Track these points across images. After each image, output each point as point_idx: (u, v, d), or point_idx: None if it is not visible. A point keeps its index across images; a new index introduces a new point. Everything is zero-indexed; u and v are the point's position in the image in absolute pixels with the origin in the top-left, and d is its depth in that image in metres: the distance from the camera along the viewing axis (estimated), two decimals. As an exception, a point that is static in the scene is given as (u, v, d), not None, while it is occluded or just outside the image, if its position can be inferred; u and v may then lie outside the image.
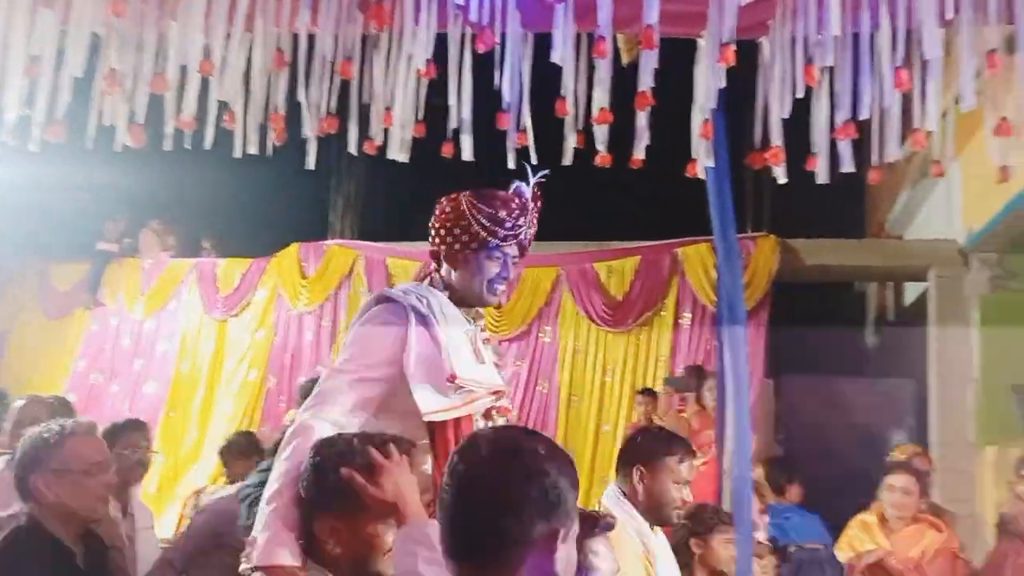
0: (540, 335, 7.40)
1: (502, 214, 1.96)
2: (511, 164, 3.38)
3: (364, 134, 3.96)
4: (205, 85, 3.25)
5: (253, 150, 3.75)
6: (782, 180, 3.42)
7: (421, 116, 3.98)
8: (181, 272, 7.90)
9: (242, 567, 1.65)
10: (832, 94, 3.36)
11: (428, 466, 1.85)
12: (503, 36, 3.25)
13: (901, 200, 7.95)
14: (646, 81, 3.52)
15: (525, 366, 7.29)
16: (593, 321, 7.36)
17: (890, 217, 8.52)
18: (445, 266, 2.01)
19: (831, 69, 3.32)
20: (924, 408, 6.64)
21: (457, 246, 1.97)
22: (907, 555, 3.45)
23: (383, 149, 4.09)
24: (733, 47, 2.97)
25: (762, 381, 6.83)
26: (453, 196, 2.02)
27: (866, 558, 3.48)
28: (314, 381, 3.88)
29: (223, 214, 8.80)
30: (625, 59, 3.82)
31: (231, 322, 7.67)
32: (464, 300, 1.99)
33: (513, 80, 3.24)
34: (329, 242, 8.04)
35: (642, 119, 3.78)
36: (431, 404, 1.83)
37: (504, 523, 1.04)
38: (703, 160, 3.81)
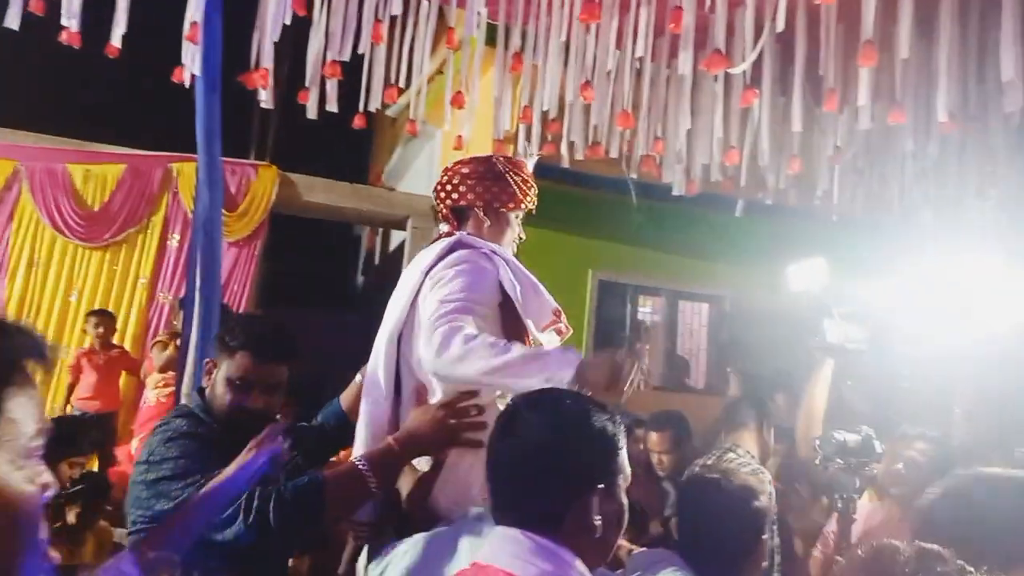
0: (-19, 241, 6.07)
1: (530, 181, 2.04)
2: None
3: None
4: None
5: None
6: (266, 104, 3.42)
7: None
8: None
9: None
10: (327, 33, 3.47)
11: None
12: None
13: (396, 155, 8.76)
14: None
15: (-45, 277, 5.91)
16: (59, 231, 6.34)
17: (387, 169, 9.33)
18: (473, 222, 2.00)
19: (329, 8, 3.42)
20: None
21: (496, 204, 2.00)
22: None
23: None
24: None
25: (248, 308, 6.82)
26: (481, 158, 2.07)
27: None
28: None
29: None
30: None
31: None
32: None
33: None
34: None
35: (122, 2, 3.34)
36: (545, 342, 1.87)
37: None
38: (191, 67, 3.55)
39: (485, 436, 1.69)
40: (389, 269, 8.97)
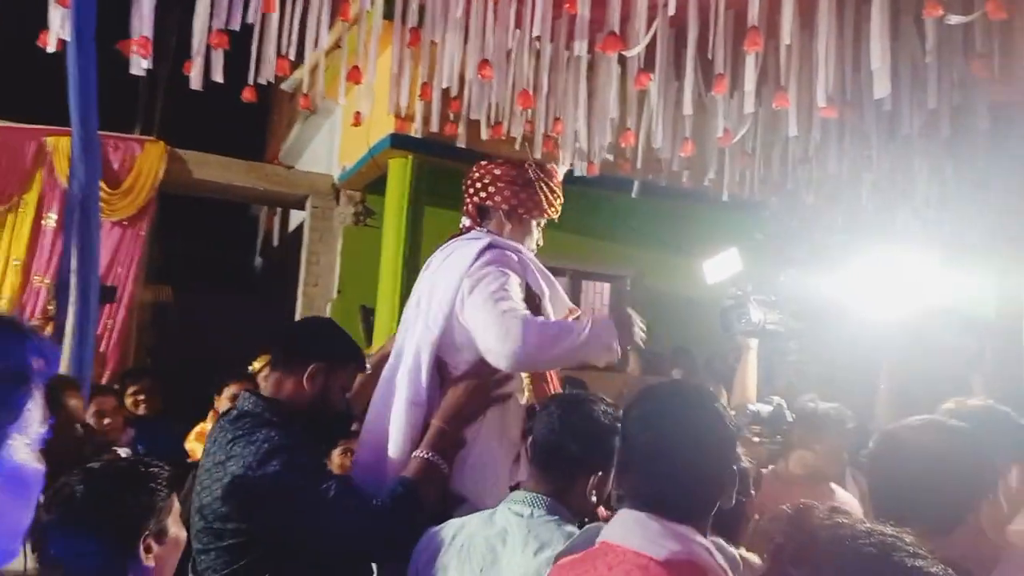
0: None
1: (557, 191, 2.14)
2: None
3: None
4: None
5: None
6: (137, 71, 3.20)
7: None
8: None
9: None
10: (213, 3, 3.28)
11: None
12: None
13: (294, 132, 8.47)
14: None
15: None
16: (-84, 209, 5.81)
17: (285, 147, 9.02)
18: (495, 223, 2.10)
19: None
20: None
21: (521, 209, 2.09)
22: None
23: None
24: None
25: (135, 290, 6.46)
26: (514, 161, 2.14)
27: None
28: None
29: None
30: None
31: None
32: None
33: None
34: None
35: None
36: None
37: None
38: (58, 31, 3.29)
39: (511, 387, 2.02)
40: (289, 250, 8.69)
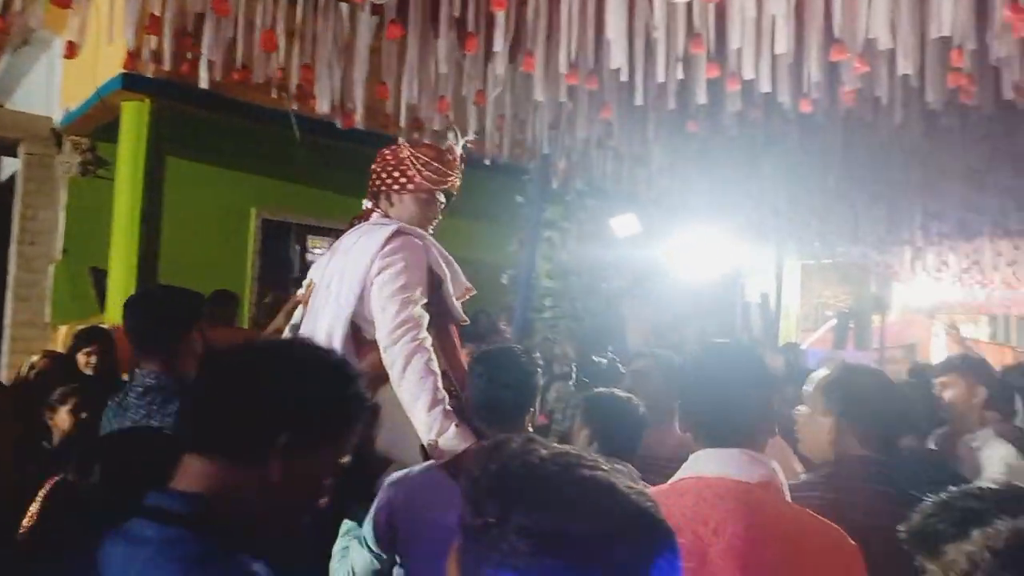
0: None
1: (435, 163, 2.32)
2: None
3: None
4: None
5: None
6: None
7: None
8: None
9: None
10: None
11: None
12: None
13: (2, 65, 7.20)
14: None
15: None
16: None
17: (-8, 82, 7.64)
18: (385, 202, 2.34)
19: None
20: (3, 289, 6.28)
21: (396, 186, 2.31)
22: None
23: None
24: None
25: None
26: (394, 146, 2.39)
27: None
28: None
29: None
30: None
31: None
32: None
33: None
34: None
35: None
36: (461, 316, 2.31)
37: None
38: None
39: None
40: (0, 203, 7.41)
